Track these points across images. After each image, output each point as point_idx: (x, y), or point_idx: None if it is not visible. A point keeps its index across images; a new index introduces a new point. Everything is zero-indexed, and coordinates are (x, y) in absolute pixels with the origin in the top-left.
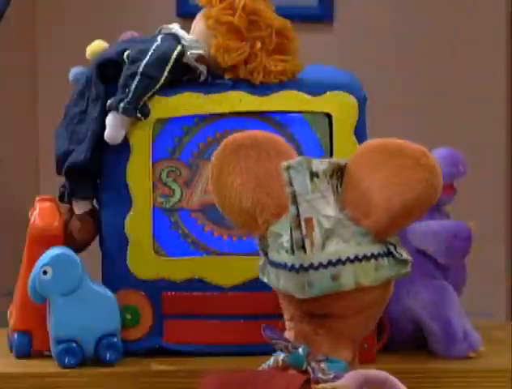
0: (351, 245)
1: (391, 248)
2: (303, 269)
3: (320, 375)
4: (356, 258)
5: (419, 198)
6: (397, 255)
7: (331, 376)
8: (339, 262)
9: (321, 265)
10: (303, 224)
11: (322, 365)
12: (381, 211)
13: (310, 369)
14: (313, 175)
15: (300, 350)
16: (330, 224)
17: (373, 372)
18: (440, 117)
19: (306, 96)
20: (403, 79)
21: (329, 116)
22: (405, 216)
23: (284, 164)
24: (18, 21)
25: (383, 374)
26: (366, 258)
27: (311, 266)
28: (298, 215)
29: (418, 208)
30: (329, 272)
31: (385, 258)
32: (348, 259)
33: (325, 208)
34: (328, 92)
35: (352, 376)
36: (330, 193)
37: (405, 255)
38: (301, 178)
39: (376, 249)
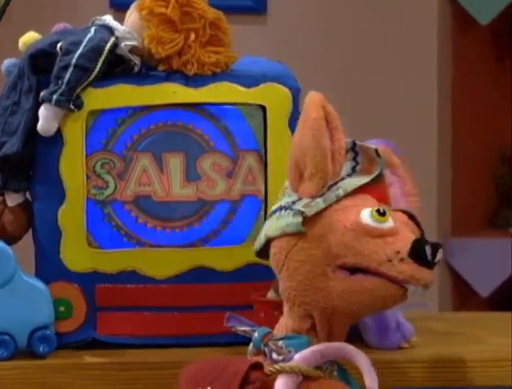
0: None
1: (295, 201)
2: None
3: (274, 356)
4: (270, 215)
5: (296, 144)
6: (291, 206)
7: (281, 357)
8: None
9: None
10: None
11: (280, 343)
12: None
13: (267, 351)
14: None
15: (256, 333)
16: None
17: (329, 344)
18: (372, 109)
19: (240, 87)
20: (337, 70)
21: (263, 107)
22: (292, 168)
23: None
24: None
25: (339, 344)
26: (273, 212)
27: None
28: None
29: (301, 155)
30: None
31: (287, 210)
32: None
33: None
34: (262, 84)
35: (305, 353)
36: None
37: (298, 206)
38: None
39: (283, 202)
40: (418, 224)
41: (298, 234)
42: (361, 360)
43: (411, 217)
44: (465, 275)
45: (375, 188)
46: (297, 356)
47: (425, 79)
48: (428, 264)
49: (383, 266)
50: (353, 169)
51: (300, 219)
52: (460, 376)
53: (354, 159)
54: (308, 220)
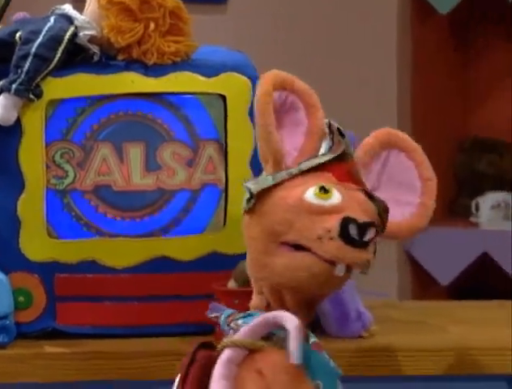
0: None
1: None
2: None
3: (231, 333)
4: None
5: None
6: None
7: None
8: None
9: None
10: None
11: (239, 322)
12: None
13: (227, 331)
14: None
15: (222, 315)
16: None
17: (272, 314)
18: (332, 97)
19: (200, 77)
20: (297, 59)
21: (223, 97)
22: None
23: None
24: None
25: (274, 312)
26: None
27: None
28: None
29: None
30: None
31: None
32: None
33: None
34: (222, 74)
35: (249, 326)
36: None
37: (248, 184)
38: None
39: None
40: (378, 204)
41: (251, 211)
42: (290, 324)
43: (371, 197)
44: (425, 263)
45: (338, 167)
46: (242, 330)
47: (385, 67)
48: (355, 243)
49: (314, 244)
50: (330, 149)
51: (247, 196)
52: (420, 365)
53: (332, 139)
54: (260, 197)
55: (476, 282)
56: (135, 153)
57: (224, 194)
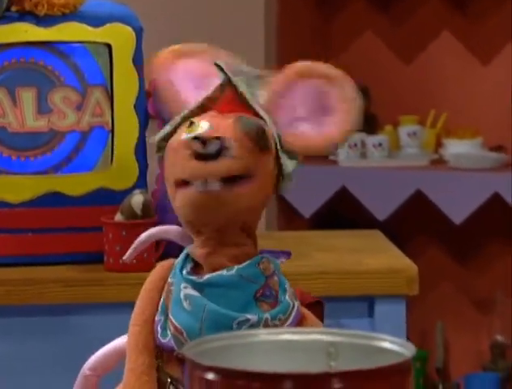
0: None
1: None
2: None
3: None
4: None
5: None
6: None
7: None
8: None
9: None
10: None
11: None
12: None
13: None
14: None
15: None
16: None
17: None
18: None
19: (87, 27)
20: (178, 11)
21: (109, 46)
22: None
23: None
24: None
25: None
26: None
27: None
28: None
29: None
30: None
31: None
32: None
33: None
34: (107, 24)
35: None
36: None
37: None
38: None
39: None
40: (250, 126)
41: (163, 159)
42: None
43: (245, 120)
44: (289, 197)
45: (222, 101)
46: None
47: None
48: (200, 156)
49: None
50: (217, 87)
51: (155, 146)
52: None
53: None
54: (168, 145)
55: (335, 214)
56: (27, 97)
57: (111, 135)
